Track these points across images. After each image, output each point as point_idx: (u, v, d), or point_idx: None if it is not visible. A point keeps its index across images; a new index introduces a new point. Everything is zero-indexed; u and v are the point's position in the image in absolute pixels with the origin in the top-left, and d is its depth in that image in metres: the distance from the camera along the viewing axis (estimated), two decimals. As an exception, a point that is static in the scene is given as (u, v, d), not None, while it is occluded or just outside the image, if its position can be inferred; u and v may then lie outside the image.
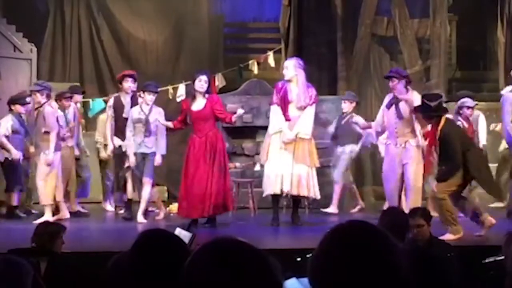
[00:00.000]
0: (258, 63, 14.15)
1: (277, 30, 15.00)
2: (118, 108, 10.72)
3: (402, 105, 9.23)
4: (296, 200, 9.85)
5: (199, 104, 9.77)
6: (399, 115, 9.25)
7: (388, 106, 9.38)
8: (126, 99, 10.76)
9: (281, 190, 9.54)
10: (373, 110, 14.03)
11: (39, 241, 5.75)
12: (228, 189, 9.78)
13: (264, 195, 9.77)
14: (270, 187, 9.56)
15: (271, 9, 15.63)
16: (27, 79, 11.94)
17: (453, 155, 8.37)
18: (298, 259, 6.77)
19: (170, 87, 13.22)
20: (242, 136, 12.77)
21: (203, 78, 9.77)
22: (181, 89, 13.13)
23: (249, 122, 12.49)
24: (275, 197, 9.69)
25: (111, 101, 10.97)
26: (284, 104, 9.62)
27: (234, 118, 9.72)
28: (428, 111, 8.57)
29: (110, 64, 15.00)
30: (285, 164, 9.51)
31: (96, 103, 12.98)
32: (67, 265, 5.62)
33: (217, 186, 9.59)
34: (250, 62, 14.18)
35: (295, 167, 9.52)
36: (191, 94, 9.99)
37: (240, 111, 9.82)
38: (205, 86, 9.77)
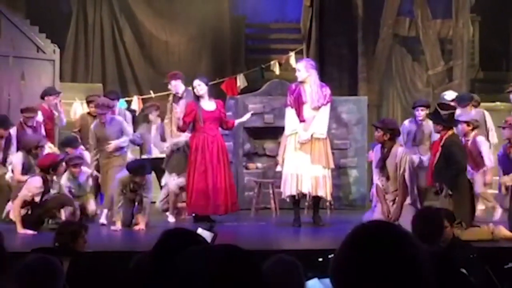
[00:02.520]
0: (280, 64, 14.14)
1: (298, 31, 14.99)
2: None
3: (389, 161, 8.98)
4: (317, 201, 9.83)
5: (209, 105, 9.98)
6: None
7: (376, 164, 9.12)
8: None
9: (300, 192, 9.53)
10: (394, 112, 13.99)
11: (61, 240, 5.78)
12: (234, 189, 10.12)
13: (283, 196, 9.76)
14: (288, 188, 9.55)
15: (293, 10, 15.61)
16: (50, 80, 11.99)
17: (457, 160, 8.40)
18: (320, 259, 6.75)
19: (191, 88, 13.22)
20: (264, 137, 12.76)
21: (196, 82, 10.04)
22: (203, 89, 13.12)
23: (270, 123, 12.48)
24: (295, 198, 9.68)
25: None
26: (298, 105, 9.62)
27: (237, 122, 10.33)
28: (439, 119, 8.57)
29: (132, 65, 15.05)
30: (302, 165, 9.50)
31: (119, 104, 13.00)
32: (90, 264, 5.64)
33: (230, 185, 9.89)
34: (272, 62, 14.18)
35: (312, 168, 9.52)
36: (194, 98, 10.08)
37: (247, 115, 10.26)
38: (203, 88, 10.00)
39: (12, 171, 9.84)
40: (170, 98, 11.01)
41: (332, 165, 9.75)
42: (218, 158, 9.82)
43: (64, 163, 9.50)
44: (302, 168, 9.49)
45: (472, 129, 9.83)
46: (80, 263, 5.43)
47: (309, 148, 9.53)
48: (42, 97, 11.03)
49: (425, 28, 13.93)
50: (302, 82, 9.67)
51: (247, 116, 10.22)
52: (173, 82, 10.86)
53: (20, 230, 8.81)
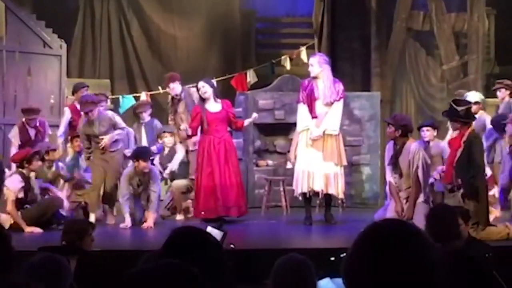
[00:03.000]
0: (291, 59, 14.14)
1: (310, 25, 14.97)
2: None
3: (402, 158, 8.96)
4: (328, 199, 9.83)
5: (215, 107, 9.97)
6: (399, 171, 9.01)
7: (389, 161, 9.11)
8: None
9: (312, 189, 9.53)
10: (407, 107, 13.97)
11: (68, 239, 5.80)
12: (244, 191, 10.14)
13: (295, 194, 9.77)
14: (300, 186, 9.55)
15: (304, 3, 15.60)
16: (56, 75, 12.03)
17: (476, 160, 8.38)
18: (332, 258, 6.75)
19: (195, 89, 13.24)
20: (274, 133, 12.76)
21: (201, 84, 10.01)
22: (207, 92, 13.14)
23: (281, 119, 12.48)
24: (306, 196, 9.68)
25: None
26: (310, 101, 9.61)
27: (246, 122, 10.22)
28: (455, 116, 8.54)
29: (140, 60, 15.08)
30: (314, 163, 9.50)
31: (126, 100, 13.04)
32: (97, 263, 5.66)
33: (240, 187, 9.88)
34: (283, 57, 14.18)
35: (324, 165, 9.52)
36: (199, 100, 10.10)
37: (254, 115, 10.25)
38: (208, 90, 9.96)
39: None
40: (169, 100, 10.96)
41: (344, 162, 9.74)
42: (226, 159, 9.82)
43: (38, 158, 9.42)
44: (314, 165, 9.49)
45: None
46: (87, 262, 5.45)
47: (321, 144, 9.53)
48: (73, 94, 11.06)
49: (439, 22, 13.89)
50: (314, 78, 9.66)
51: (253, 116, 10.21)
52: (171, 85, 10.73)
53: (27, 229, 8.85)
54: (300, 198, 9.74)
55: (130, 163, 9.83)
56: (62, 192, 9.86)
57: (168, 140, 10.81)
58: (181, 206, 10.37)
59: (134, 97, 13.11)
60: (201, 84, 10.03)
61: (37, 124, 10.42)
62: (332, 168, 9.55)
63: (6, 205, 8.98)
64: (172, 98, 10.81)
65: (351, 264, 1.94)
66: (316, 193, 9.65)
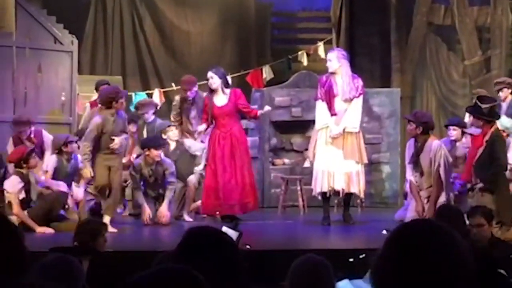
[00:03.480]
0: (308, 54, 14.13)
1: (327, 20, 14.96)
2: None
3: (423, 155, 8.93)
4: (348, 198, 9.82)
5: (221, 99, 9.97)
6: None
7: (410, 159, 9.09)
8: None
9: (333, 189, 9.52)
10: (428, 104, 13.93)
11: (81, 239, 5.82)
12: (252, 187, 9.96)
13: (314, 193, 9.76)
14: (319, 185, 9.55)
15: (322, -3, 15.60)
16: (67, 71, 12.06)
17: (499, 158, 8.35)
18: (351, 259, 6.75)
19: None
20: (291, 131, 12.77)
21: (209, 74, 10.04)
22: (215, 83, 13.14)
23: (298, 116, 12.49)
24: (326, 195, 9.67)
25: None
26: (329, 98, 9.60)
27: (259, 113, 10.11)
28: (479, 113, 8.51)
29: (153, 56, 15.11)
30: (334, 161, 9.49)
31: (139, 97, 13.07)
32: (110, 264, 5.68)
33: (246, 183, 9.83)
34: (300, 53, 14.18)
35: (344, 164, 9.50)
36: (208, 91, 10.15)
37: (267, 107, 10.21)
38: (216, 81, 9.98)
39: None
40: (177, 101, 10.83)
41: (365, 160, 9.73)
42: (231, 155, 9.82)
43: (35, 156, 9.43)
44: (334, 163, 9.48)
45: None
46: (100, 263, 5.48)
47: (341, 142, 9.52)
48: (96, 90, 11.06)
49: (461, 16, 13.84)
50: (333, 73, 9.65)
51: (266, 109, 10.18)
52: (194, 88, 10.65)
53: (38, 229, 8.90)
54: (319, 197, 9.74)
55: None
56: (79, 188, 9.85)
57: (173, 133, 10.70)
58: (191, 203, 10.37)
59: (147, 94, 13.14)
60: (209, 74, 10.06)
61: (31, 135, 10.26)
62: (353, 167, 9.54)
63: (12, 209, 9.01)
64: (183, 100, 10.74)
65: (381, 265, 1.95)
66: (336, 193, 9.64)
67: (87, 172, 9.11)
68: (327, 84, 9.61)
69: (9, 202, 9.12)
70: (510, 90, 10.79)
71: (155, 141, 9.90)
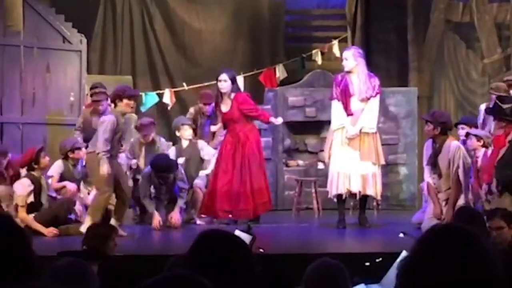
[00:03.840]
0: (322, 53, 14.12)
1: (342, 17, 14.93)
2: None
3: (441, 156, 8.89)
4: (364, 200, 9.81)
5: (226, 104, 10.05)
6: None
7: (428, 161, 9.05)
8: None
9: (349, 191, 9.51)
10: (446, 104, 13.89)
11: (90, 243, 5.83)
12: (260, 190, 9.94)
13: (329, 195, 9.75)
14: (335, 187, 9.53)
15: (336, -6, 15.58)
16: (76, 71, 12.09)
17: None
18: (367, 263, 6.74)
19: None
20: (305, 132, 12.76)
21: (222, 77, 10.04)
22: (239, 81, 13.15)
23: (312, 117, 12.47)
24: (341, 198, 9.66)
25: None
26: (345, 98, 9.58)
27: (271, 120, 10.10)
28: (501, 114, 8.47)
29: (163, 55, 15.12)
30: (351, 162, 9.47)
31: (149, 97, 13.09)
32: (120, 269, 5.69)
33: (255, 188, 9.87)
34: (314, 51, 14.16)
35: (361, 165, 9.49)
36: (217, 94, 10.23)
37: (280, 120, 10.28)
38: (226, 85, 10.00)
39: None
40: (192, 114, 10.90)
41: (382, 161, 9.72)
42: (234, 161, 9.91)
43: (44, 155, 9.42)
44: (351, 165, 9.46)
45: (483, 146, 9.51)
46: (109, 268, 5.48)
47: (358, 143, 9.51)
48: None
49: (480, 13, 13.78)
50: (348, 72, 9.63)
51: (279, 120, 10.22)
52: (213, 104, 10.70)
53: (45, 231, 8.90)
54: (335, 199, 9.73)
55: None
56: (90, 192, 9.85)
57: (187, 133, 10.69)
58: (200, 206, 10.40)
59: (158, 94, 13.15)
60: (223, 76, 10.07)
61: (8, 167, 9.75)
62: (370, 168, 9.52)
63: (18, 212, 8.99)
64: (199, 113, 10.86)
65: (410, 270, 1.96)
66: (352, 195, 9.63)
67: (104, 170, 8.95)
68: (343, 84, 9.59)
69: (17, 205, 9.13)
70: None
71: (168, 168, 9.84)
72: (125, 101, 8.97)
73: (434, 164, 8.88)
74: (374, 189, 9.57)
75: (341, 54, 13.69)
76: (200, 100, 11.35)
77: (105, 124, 8.86)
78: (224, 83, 10.02)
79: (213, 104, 10.64)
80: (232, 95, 10.02)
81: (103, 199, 8.83)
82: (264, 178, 10.08)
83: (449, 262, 1.92)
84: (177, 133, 10.73)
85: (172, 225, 9.68)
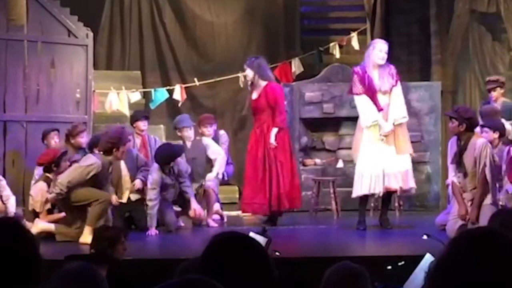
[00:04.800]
0: (340, 46, 14.09)
1: (361, 8, 14.91)
2: None
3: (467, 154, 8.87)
4: (388, 200, 9.85)
5: (256, 92, 10.17)
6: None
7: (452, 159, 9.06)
8: None
9: (387, 189, 9.57)
10: (472, 99, 13.86)
11: (98, 246, 5.85)
12: (288, 186, 10.06)
13: (354, 195, 9.71)
14: (364, 186, 9.53)
15: (355, -16, 15.56)
16: (82, 67, 12.11)
17: None
18: (389, 267, 6.74)
19: (241, 75, 13.25)
20: (323, 129, 12.75)
21: (244, 67, 10.33)
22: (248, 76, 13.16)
23: (330, 113, 12.46)
24: (366, 198, 9.69)
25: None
26: (371, 93, 9.60)
27: (275, 131, 10.00)
28: None
29: (173, 49, 15.13)
30: (387, 160, 9.53)
31: (159, 94, 13.11)
32: (129, 273, 5.71)
33: (272, 183, 9.99)
34: (331, 44, 14.14)
35: (398, 160, 9.57)
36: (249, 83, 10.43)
37: (272, 142, 10.05)
38: (249, 73, 10.17)
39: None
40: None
41: (411, 150, 9.85)
42: (256, 154, 10.05)
43: (65, 159, 9.42)
44: (387, 162, 9.54)
45: (500, 137, 9.46)
46: (118, 272, 5.50)
47: (392, 138, 9.63)
48: (132, 123, 11.11)
49: (507, 3, 13.75)
50: (373, 66, 9.67)
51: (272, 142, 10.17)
52: (214, 126, 11.00)
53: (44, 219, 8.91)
54: (359, 199, 9.75)
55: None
56: None
57: (187, 134, 10.73)
58: (212, 207, 10.42)
59: (168, 90, 13.17)
60: (244, 66, 10.34)
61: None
62: (407, 161, 9.72)
63: (39, 219, 8.99)
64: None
65: (439, 276, 1.97)
66: (372, 194, 9.68)
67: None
68: (368, 79, 9.61)
69: (33, 210, 9.13)
70: (502, 91, 10.75)
71: (173, 153, 9.89)
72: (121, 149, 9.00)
73: (459, 162, 8.86)
74: (413, 180, 9.69)
75: (360, 47, 13.73)
76: (201, 124, 11.06)
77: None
78: (246, 72, 10.29)
79: (215, 126, 10.89)
80: (264, 83, 10.11)
81: (99, 207, 8.77)
82: (292, 174, 10.15)
83: (482, 269, 1.92)
84: (179, 134, 10.80)
85: (197, 218, 9.77)
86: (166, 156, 9.81)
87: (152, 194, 9.59)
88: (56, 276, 2.82)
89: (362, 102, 9.65)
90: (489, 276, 1.91)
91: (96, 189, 8.76)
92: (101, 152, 8.98)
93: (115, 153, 8.92)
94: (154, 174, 9.74)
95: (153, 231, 9.46)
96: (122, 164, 9.72)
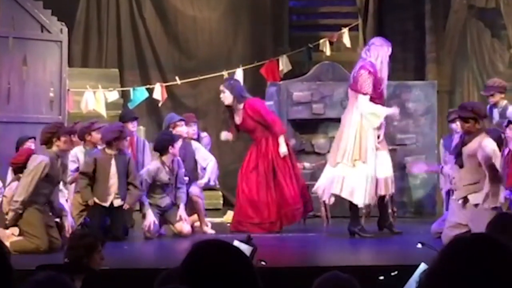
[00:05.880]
0: (331, 43, 14.12)
1: (353, 3, 14.96)
2: None
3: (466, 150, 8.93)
4: (386, 205, 10.03)
5: (238, 115, 10.43)
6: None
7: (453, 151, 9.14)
8: None
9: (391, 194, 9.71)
10: (469, 97, 13.90)
11: (73, 255, 5.83)
12: (287, 199, 10.26)
13: (362, 204, 9.69)
14: (367, 194, 9.55)
15: (346, -23, 15.60)
16: (56, 64, 12.08)
17: None
18: (381, 277, 6.75)
19: (225, 73, 13.29)
20: (312, 131, 12.76)
21: (221, 88, 10.49)
22: (239, 74, 13.18)
23: (320, 114, 12.47)
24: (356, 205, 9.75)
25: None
26: (381, 102, 9.78)
27: (281, 137, 10.29)
28: None
29: (154, 46, 15.13)
30: (388, 163, 9.65)
31: (138, 93, 13.11)
32: (106, 284, 5.70)
33: (272, 197, 10.25)
34: (321, 41, 14.17)
35: (388, 163, 9.73)
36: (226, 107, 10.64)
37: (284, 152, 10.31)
38: (228, 97, 10.37)
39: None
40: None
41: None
42: (266, 169, 10.29)
43: None
44: (389, 166, 9.74)
45: None
46: (94, 282, 5.49)
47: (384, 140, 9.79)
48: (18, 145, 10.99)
49: (507, -3, 13.82)
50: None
51: (282, 152, 10.36)
52: (194, 126, 11.04)
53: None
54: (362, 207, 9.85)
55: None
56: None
57: (182, 129, 10.73)
58: (203, 214, 10.44)
59: (147, 89, 13.17)
60: (221, 87, 10.53)
61: None
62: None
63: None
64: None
65: (436, 283, 1.98)
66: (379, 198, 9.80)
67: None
68: (380, 84, 9.70)
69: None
70: (501, 95, 10.79)
71: (168, 139, 10.00)
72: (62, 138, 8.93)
73: (458, 154, 8.89)
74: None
75: (352, 44, 13.76)
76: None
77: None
78: (223, 94, 10.42)
79: (195, 126, 10.98)
80: (241, 105, 10.33)
81: (28, 245, 8.48)
82: (293, 185, 10.34)
83: (475, 277, 1.93)
84: (173, 130, 10.74)
85: (182, 231, 9.81)
86: (164, 139, 9.98)
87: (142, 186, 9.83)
88: (23, 287, 2.81)
89: (372, 105, 9.65)
90: (482, 282, 1.92)
91: (47, 228, 8.66)
92: (44, 146, 8.99)
93: (56, 144, 8.87)
94: (151, 166, 10.01)
95: (151, 217, 9.65)
96: (113, 166, 9.68)
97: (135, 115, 11.38)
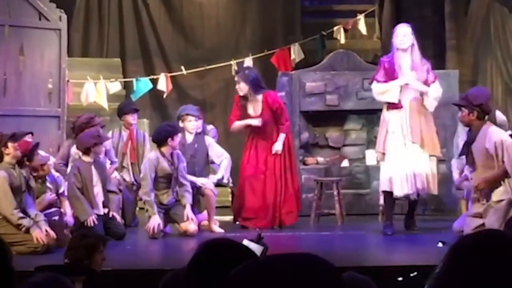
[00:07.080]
0: (346, 30, 14.11)
1: (369, -13, 14.95)
2: None
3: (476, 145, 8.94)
4: (414, 202, 10.03)
5: (254, 107, 10.52)
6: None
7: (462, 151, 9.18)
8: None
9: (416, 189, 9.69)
10: (493, 88, 13.87)
11: (74, 256, 5.84)
12: (286, 199, 10.53)
13: (380, 202, 9.74)
14: (403, 187, 9.60)
15: (361, -40, 15.59)
16: (55, 54, 12.10)
17: None
18: (400, 278, 6.75)
19: (233, 62, 13.28)
20: (326, 124, 12.76)
21: (236, 78, 10.61)
22: (248, 63, 13.18)
23: (334, 105, 12.45)
24: (391, 199, 9.77)
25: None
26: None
27: (288, 129, 10.53)
28: None
29: (158, 34, 15.15)
30: (414, 159, 9.68)
31: (141, 84, 13.11)
32: (108, 285, 5.72)
33: (276, 195, 10.49)
34: (335, 28, 14.16)
35: (423, 159, 9.79)
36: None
37: (279, 148, 10.50)
38: (243, 88, 10.46)
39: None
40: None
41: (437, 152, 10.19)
42: (267, 166, 10.52)
43: (38, 153, 9.40)
44: (414, 161, 9.75)
45: None
46: (96, 284, 5.50)
47: (419, 134, 9.83)
48: (119, 116, 11.26)
49: (533, -20, 13.79)
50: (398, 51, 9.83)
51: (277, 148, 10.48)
52: (200, 120, 10.98)
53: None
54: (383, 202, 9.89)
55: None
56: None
57: (191, 124, 10.71)
58: (214, 212, 10.47)
59: (151, 80, 13.18)
60: (236, 78, 10.64)
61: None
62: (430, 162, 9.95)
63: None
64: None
65: (446, 281, 1.98)
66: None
67: None
68: (391, 68, 9.72)
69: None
70: None
71: (168, 130, 10.05)
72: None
73: (467, 154, 8.92)
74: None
75: (368, 31, 13.74)
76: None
77: None
78: (237, 85, 10.52)
79: (201, 121, 10.92)
80: (259, 96, 10.44)
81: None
82: (293, 185, 10.57)
83: (485, 275, 1.92)
84: (181, 124, 10.75)
85: (189, 230, 9.83)
86: (165, 130, 10.04)
87: (144, 186, 9.91)
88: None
89: (380, 85, 9.72)
90: (493, 281, 1.92)
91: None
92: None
93: (6, 153, 8.78)
94: (151, 155, 10.11)
95: (155, 220, 9.65)
96: (94, 174, 9.69)
97: (135, 107, 11.39)
